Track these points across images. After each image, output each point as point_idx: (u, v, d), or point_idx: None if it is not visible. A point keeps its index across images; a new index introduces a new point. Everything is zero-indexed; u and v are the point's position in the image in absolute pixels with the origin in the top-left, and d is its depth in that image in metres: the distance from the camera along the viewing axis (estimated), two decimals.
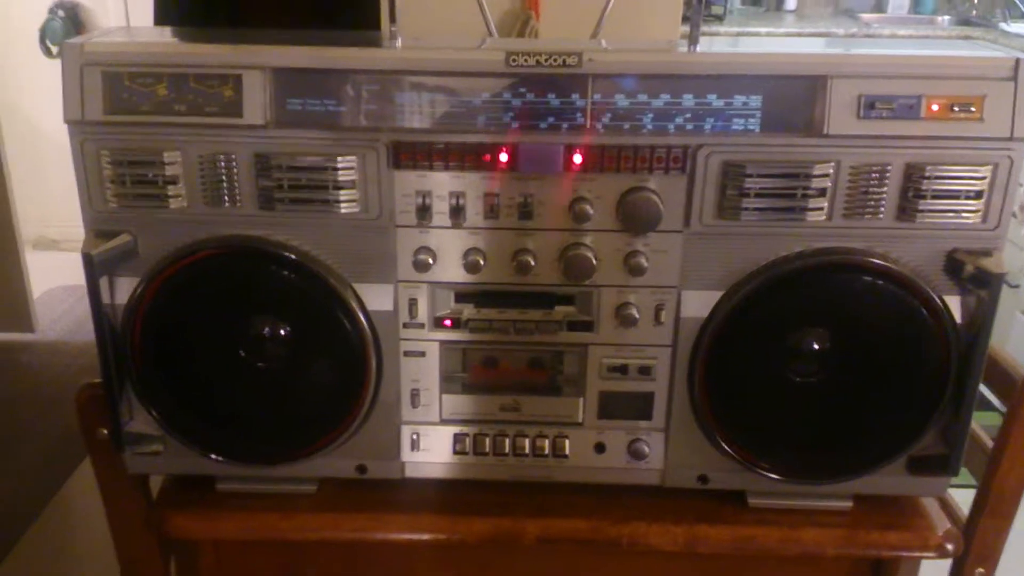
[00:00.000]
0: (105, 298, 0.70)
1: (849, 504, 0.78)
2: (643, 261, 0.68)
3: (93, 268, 0.67)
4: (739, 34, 2.80)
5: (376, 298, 0.72)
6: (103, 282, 0.69)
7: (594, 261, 0.69)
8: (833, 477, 0.75)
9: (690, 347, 0.71)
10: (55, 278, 2.60)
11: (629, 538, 0.77)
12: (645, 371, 0.73)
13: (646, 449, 0.76)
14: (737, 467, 0.75)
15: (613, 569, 0.81)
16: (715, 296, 0.70)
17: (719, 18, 2.91)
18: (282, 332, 0.72)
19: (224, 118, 0.66)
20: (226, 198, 0.68)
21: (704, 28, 2.77)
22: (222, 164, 0.67)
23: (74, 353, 2.22)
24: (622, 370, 0.74)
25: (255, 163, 0.67)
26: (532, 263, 0.69)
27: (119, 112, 0.66)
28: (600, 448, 0.76)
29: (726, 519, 0.78)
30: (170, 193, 0.67)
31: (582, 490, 0.79)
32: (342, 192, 0.67)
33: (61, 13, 2.68)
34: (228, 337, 0.72)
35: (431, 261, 0.69)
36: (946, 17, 3.19)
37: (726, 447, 0.74)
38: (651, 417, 0.75)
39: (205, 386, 0.74)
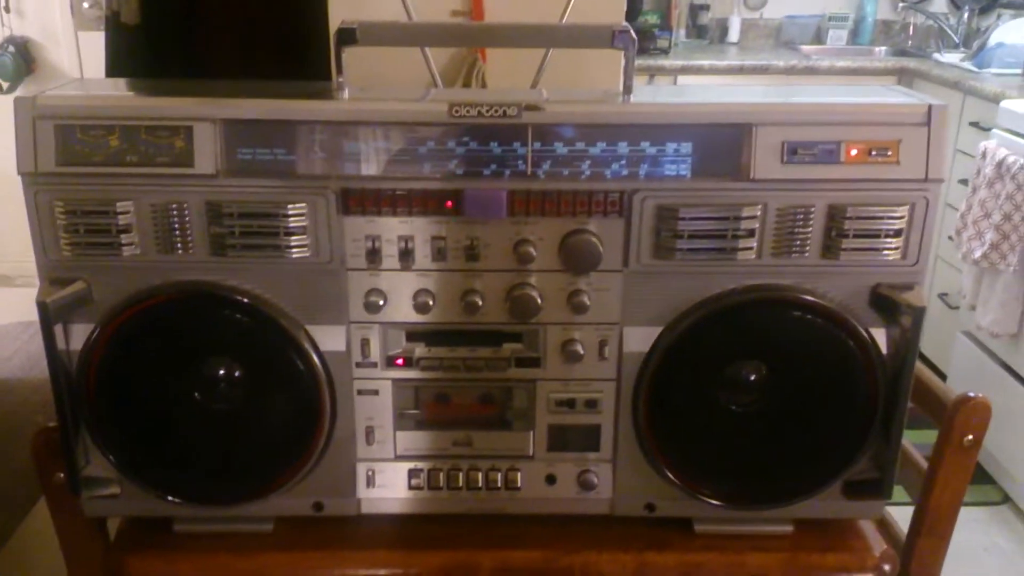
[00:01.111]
0: (60, 344, 0.70)
1: (790, 528, 0.81)
2: (586, 299, 0.71)
3: (48, 315, 0.68)
4: (683, 68, 2.87)
5: (329, 339, 0.73)
6: (58, 329, 0.70)
7: (539, 300, 0.71)
8: (773, 502, 0.78)
9: (633, 380, 0.74)
10: (8, 315, 2.54)
11: (581, 568, 0.78)
12: (591, 404, 0.76)
13: (595, 480, 0.78)
14: (682, 495, 0.78)
15: None
16: (655, 331, 0.73)
17: (664, 51, 2.99)
18: (236, 374, 0.73)
19: (175, 168, 0.67)
20: (179, 245, 0.69)
21: (650, 61, 2.87)
22: (174, 212, 0.68)
23: (27, 391, 2.18)
24: (569, 404, 0.76)
25: (207, 211, 0.68)
26: (480, 303, 0.71)
27: (72, 163, 0.67)
28: (551, 480, 0.78)
29: (674, 546, 0.80)
30: (123, 241, 0.68)
31: (534, 521, 0.80)
32: (293, 238, 0.69)
33: (11, 49, 2.66)
34: (183, 380, 0.73)
35: (382, 303, 0.71)
36: (883, 48, 3.32)
37: (670, 476, 0.76)
38: (599, 448, 0.78)
39: (161, 429, 0.74)
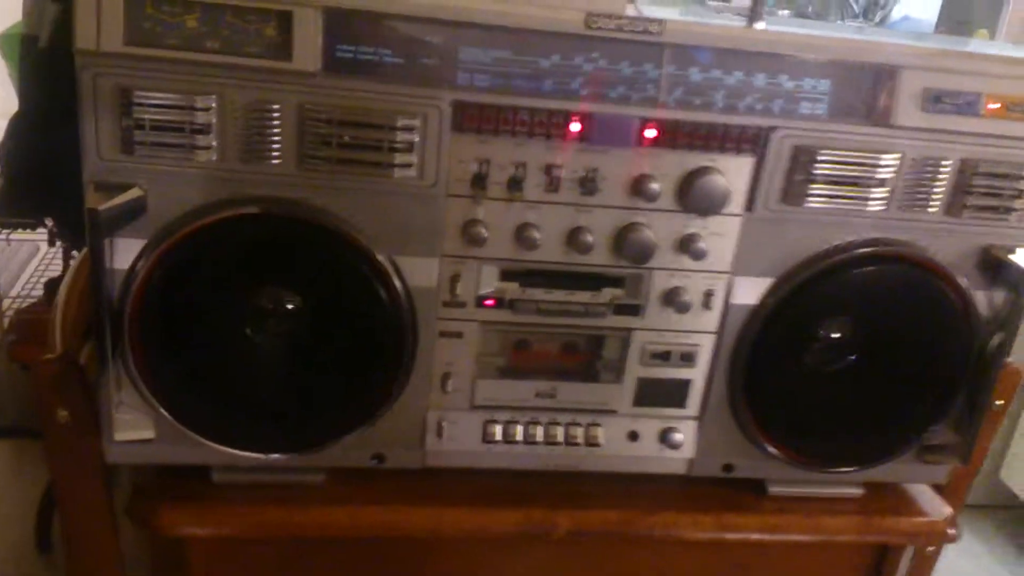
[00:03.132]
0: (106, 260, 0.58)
1: (860, 491, 0.78)
2: (703, 245, 0.64)
3: (99, 226, 0.56)
4: None
5: (418, 273, 0.64)
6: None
7: (654, 243, 0.64)
8: (854, 464, 0.74)
9: (736, 334, 0.68)
10: None
11: (661, 529, 0.73)
12: (687, 358, 0.70)
13: (679, 437, 0.72)
14: (761, 456, 0.73)
15: (637, 559, 0.77)
16: (766, 283, 0.67)
17: None
18: (308, 308, 0.63)
19: (269, 61, 0.56)
20: (263, 154, 0.58)
21: None
22: (263, 114, 0.57)
23: None
24: (664, 356, 0.69)
25: (300, 116, 0.57)
26: (590, 241, 0.63)
27: (141, 44, 0.55)
28: (633, 436, 0.72)
29: (750, 507, 0.75)
30: (199, 143, 0.57)
31: (607, 480, 0.74)
32: (399, 155, 0.59)
33: None
34: (244, 311, 0.63)
35: (484, 234, 0.62)
36: (785, 11, 3.28)
37: (758, 435, 0.71)
38: (686, 405, 0.72)
39: (212, 365, 0.64)
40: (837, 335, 0.70)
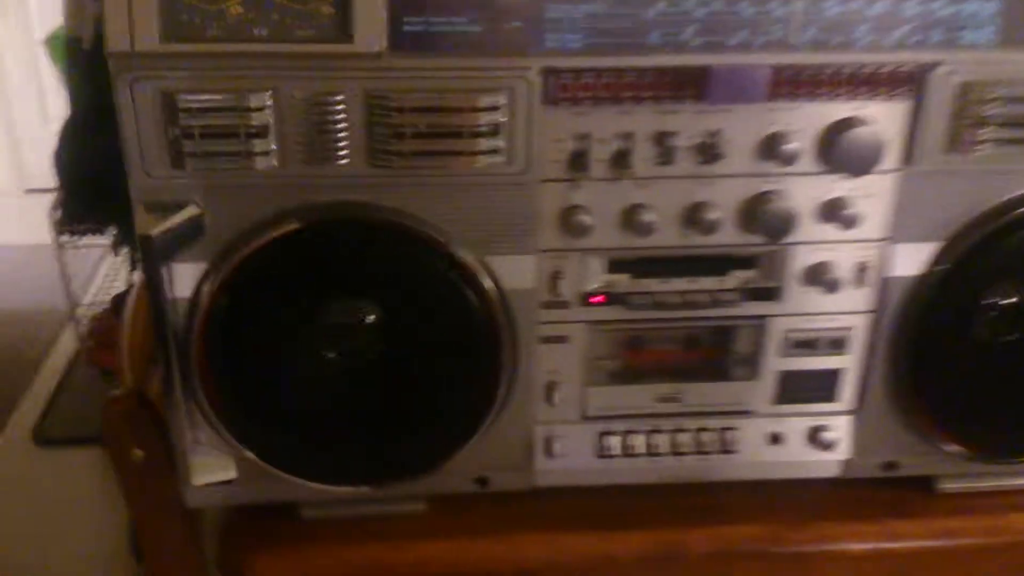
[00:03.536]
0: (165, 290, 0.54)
1: None
2: (853, 210, 0.56)
3: (154, 254, 0.51)
4: None
5: (512, 273, 0.57)
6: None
7: (795, 213, 0.55)
8: None
9: (897, 311, 0.59)
10: None
11: (814, 542, 0.65)
12: (837, 344, 0.61)
13: (832, 436, 0.64)
14: (929, 450, 0.64)
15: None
16: (930, 249, 0.58)
17: None
18: (392, 322, 0.57)
19: (326, 44, 0.50)
20: (328, 154, 0.52)
21: None
22: (327, 108, 0.51)
23: None
24: (809, 345, 0.61)
25: (368, 105, 0.51)
26: (714, 219, 0.55)
27: (181, 39, 0.49)
28: (775, 439, 0.64)
29: (917, 510, 0.67)
30: (256, 149, 0.51)
31: (742, 489, 0.67)
32: (483, 140, 0.52)
33: None
34: (322, 331, 0.57)
35: (587, 222, 0.55)
36: None
37: (928, 426, 0.63)
38: (837, 398, 0.63)
39: (296, 395, 0.59)
40: (1012, 300, 0.60)
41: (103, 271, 1.80)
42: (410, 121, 0.51)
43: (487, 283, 0.56)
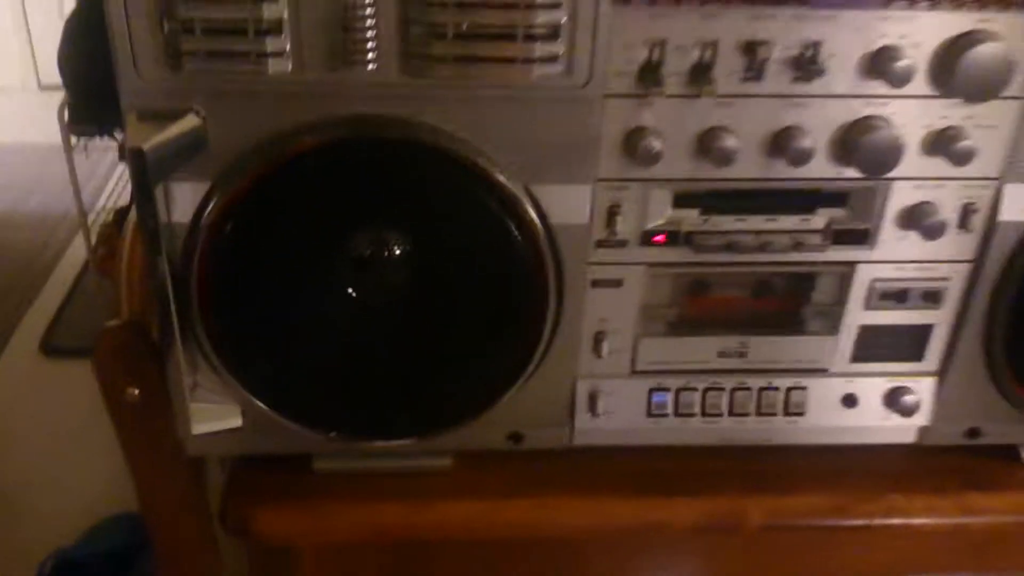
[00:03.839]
0: (161, 213, 0.47)
1: None
2: (968, 142, 0.48)
3: (146, 171, 0.44)
4: None
5: (564, 205, 0.51)
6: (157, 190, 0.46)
7: (900, 143, 0.48)
8: None
9: (1003, 260, 0.53)
10: None
11: (883, 515, 0.60)
12: (931, 297, 0.55)
13: (913, 400, 0.58)
14: (1015, 417, 0.59)
15: (847, 553, 0.65)
16: None
17: None
18: (423, 257, 0.51)
19: None
20: (353, 57, 0.45)
21: None
22: (352, 0, 0.43)
23: None
24: (899, 297, 0.55)
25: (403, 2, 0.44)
26: (807, 147, 0.48)
27: None
28: (850, 401, 0.59)
29: (1001, 481, 0.61)
30: (268, 49, 0.44)
31: (809, 456, 0.61)
32: (539, 45, 0.45)
33: None
34: (344, 264, 0.51)
35: (656, 146, 0.48)
36: None
37: (1020, 390, 0.57)
38: (923, 357, 0.57)
39: (312, 337, 0.53)
40: None
41: (118, 172, 1.75)
42: (452, 18, 0.44)
43: (533, 216, 0.50)
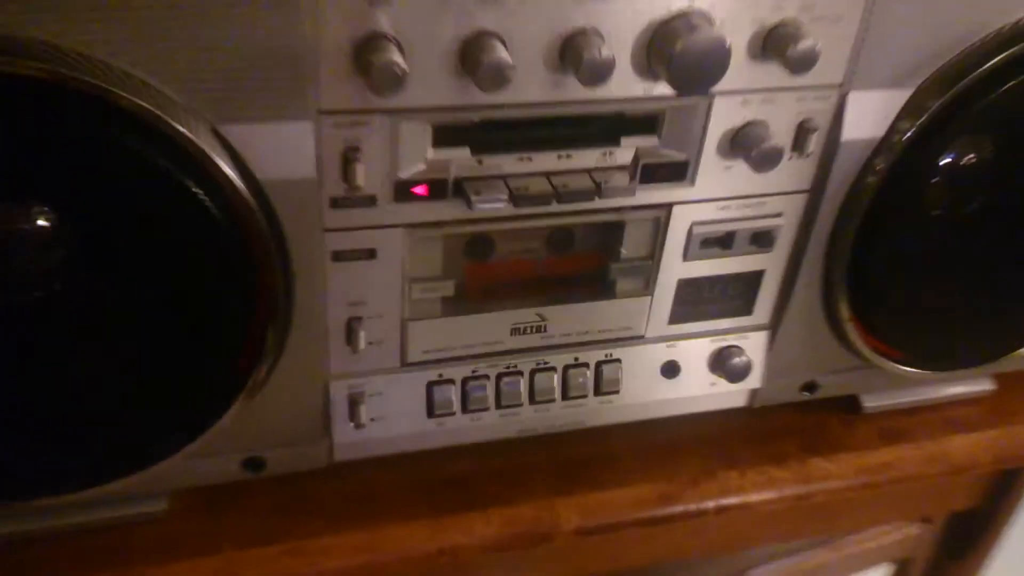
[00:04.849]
0: None
1: (987, 388, 0.61)
2: (809, 42, 0.40)
3: None
4: None
5: (275, 153, 0.38)
6: None
7: (725, 46, 0.39)
8: (987, 358, 0.57)
9: (846, 188, 0.47)
10: None
11: (716, 498, 0.54)
12: (761, 239, 0.48)
13: (743, 361, 0.52)
14: (856, 364, 0.55)
15: (673, 541, 0.59)
16: (897, 99, 0.45)
17: None
18: (82, 242, 0.37)
19: None
20: None
21: None
22: None
23: None
24: (725, 242, 0.48)
25: None
26: (606, 57, 0.38)
27: None
28: (671, 370, 0.52)
29: (842, 442, 0.58)
30: None
31: (626, 437, 0.55)
32: None
33: None
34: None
35: (399, 62, 0.36)
36: None
37: (863, 334, 0.53)
38: (752, 310, 0.51)
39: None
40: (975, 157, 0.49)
41: None
42: None
43: (227, 170, 0.37)
